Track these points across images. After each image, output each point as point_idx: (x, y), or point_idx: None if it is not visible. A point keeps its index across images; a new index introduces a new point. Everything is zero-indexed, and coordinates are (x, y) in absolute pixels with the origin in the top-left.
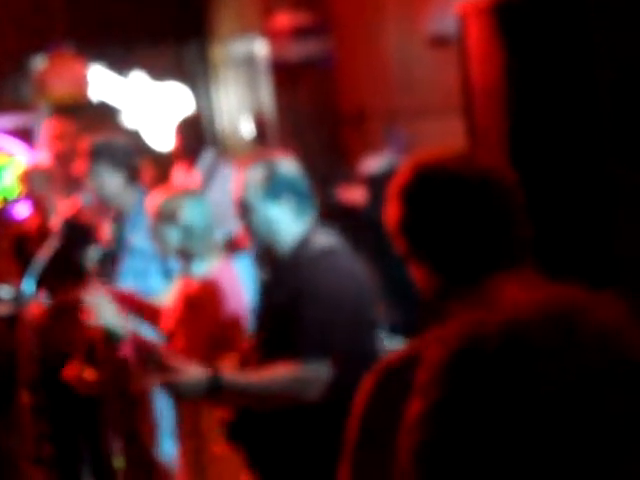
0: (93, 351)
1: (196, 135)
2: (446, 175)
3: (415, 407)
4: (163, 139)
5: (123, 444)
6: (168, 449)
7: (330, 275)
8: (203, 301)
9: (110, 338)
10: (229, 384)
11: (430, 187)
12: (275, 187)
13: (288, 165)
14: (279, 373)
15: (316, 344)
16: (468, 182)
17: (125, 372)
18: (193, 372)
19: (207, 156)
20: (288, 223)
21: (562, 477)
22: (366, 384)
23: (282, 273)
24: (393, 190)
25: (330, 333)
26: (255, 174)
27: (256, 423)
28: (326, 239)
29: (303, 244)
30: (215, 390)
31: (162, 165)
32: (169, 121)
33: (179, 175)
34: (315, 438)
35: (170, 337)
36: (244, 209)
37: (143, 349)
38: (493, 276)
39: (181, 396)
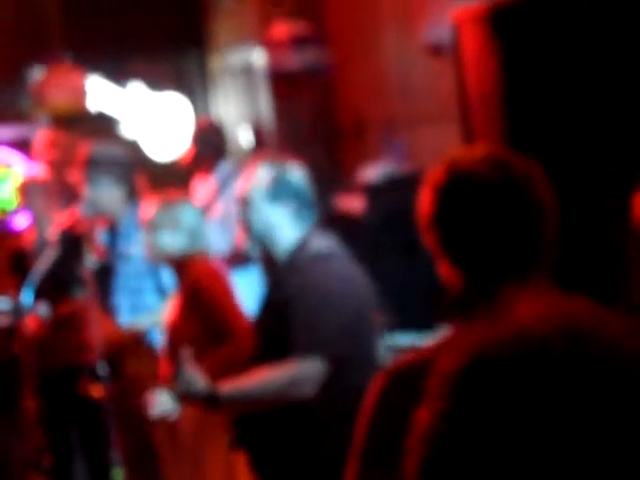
0: (98, 368)
1: (215, 144)
2: (480, 178)
3: (424, 416)
4: (162, 149)
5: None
6: None
7: (324, 277)
8: (200, 284)
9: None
10: (226, 398)
11: (462, 188)
12: (278, 190)
13: (296, 172)
14: (275, 374)
15: (309, 341)
16: (500, 186)
17: (132, 388)
18: (197, 384)
19: (225, 166)
20: (285, 227)
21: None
22: (375, 386)
23: (280, 276)
24: (427, 185)
25: (323, 332)
26: (263, 173)
27: (258, 427)
28: (323, 243)
29: (300, 248)
30: (213, 405)
31: (160, 175)
32: (168, 131)
33: (198, 186)
34: (314, 437)
35: (172, 331)
36: (245, 204)
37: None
38: (515, 281)
39: (183, 402)
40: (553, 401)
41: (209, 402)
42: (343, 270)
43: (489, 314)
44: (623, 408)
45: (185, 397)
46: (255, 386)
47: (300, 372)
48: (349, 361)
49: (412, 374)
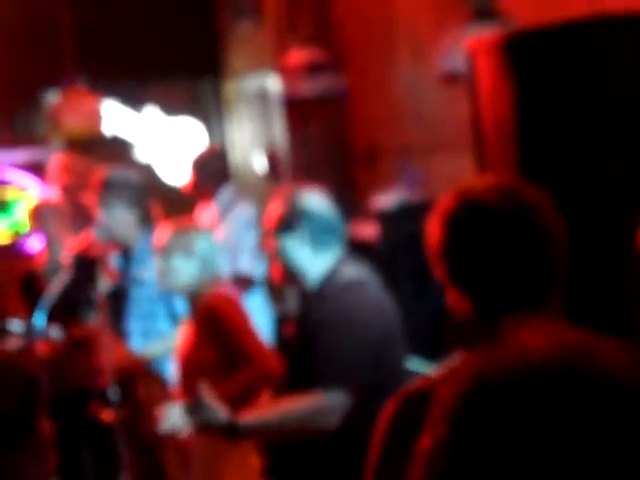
0: (109, 392)
1: (215, 170)
2: (489, 208)
3: (425, 443)
4: (176, 174)
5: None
6: None
7: (354, 306)
8: (216, 311)
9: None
10: (246, 429)
11: (472, 218)
12: (290, 219)
13: (309, 199)
14: (297, 405)
15: (334, 373)
16: (510, 216)
17: (143, 413)
18: (217, 415)
19: (226, 192)
20: (306, 255)
21: None
22: (386, 411)
23: (310, 305)
24: (436, 215)
25: (348, 363)
26: (277, 206)
27: (291, 456)
28: (353, 271)
29: (331, 277)
30: (232, 435)
31: (174, 200)
32: (182, 156)
33: (201, 212)
34: (347, 467)
35: (186, 358)
36: (269, 238)
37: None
38: (522, 310)
39: (202, 432)
40: (548, 430)
41: (228, 432)
42: (373, 298)
43: (492, 342)
44: (619, 438)
45: (205, 427)
46: (276, 417)
47: (323, 404)
48: (377, 390)
49: (420, 399)
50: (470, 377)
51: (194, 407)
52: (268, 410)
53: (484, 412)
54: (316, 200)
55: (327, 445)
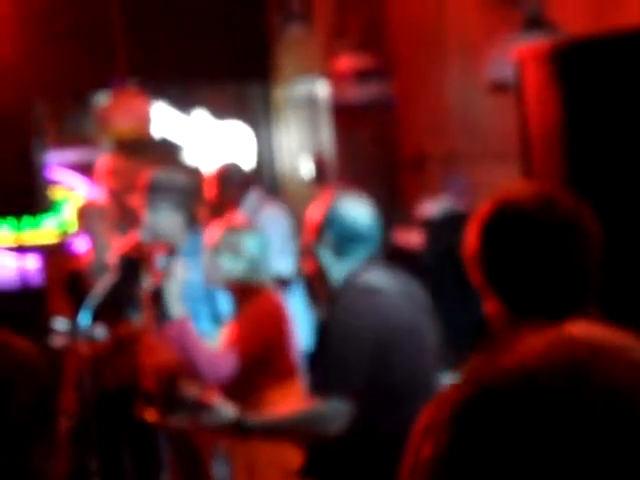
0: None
1: (237, 181)
2: (525, 214)
3: (425, 448)
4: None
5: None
6: None
7: (361, 312)
8: (265, 317)
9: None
10: (254, 426)
11: (508, 224)
12: (322, 225)
13: (345, 205)
14: (299, 411)
15: (335, 380)
16: (545, 224)
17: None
18: (222, 412)
19: (252, 198)
20: (330, 261)
21: None
22: (422, 417)
23: (330, 309)
24: (474, 222)
25: (351, 370)
26: (316, 210)
27: (329, 457)
28: (375, 277)
29: (349, 280)
30: (241, 431)
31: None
32: (230, 160)
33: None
34: (379, 468)
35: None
36: (308, 239)
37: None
38: (553, 318)
39: (210, 433)
40: (547, 437)
41: (237, 428)
42: (386, 306)
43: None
44: (620, 446)
45: (214, 429)
46: (279, 420)
47: (324, 411)
48: (385, 397)
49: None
50: (470, 382)
51: (199, 411)
52: (275, 413)
53: (482, 418)
54: (351, 207)
55: (357, 447)
